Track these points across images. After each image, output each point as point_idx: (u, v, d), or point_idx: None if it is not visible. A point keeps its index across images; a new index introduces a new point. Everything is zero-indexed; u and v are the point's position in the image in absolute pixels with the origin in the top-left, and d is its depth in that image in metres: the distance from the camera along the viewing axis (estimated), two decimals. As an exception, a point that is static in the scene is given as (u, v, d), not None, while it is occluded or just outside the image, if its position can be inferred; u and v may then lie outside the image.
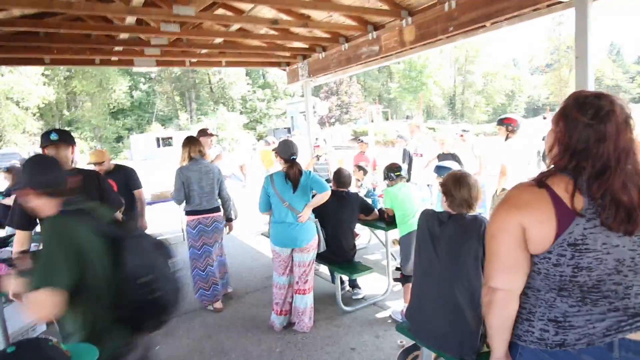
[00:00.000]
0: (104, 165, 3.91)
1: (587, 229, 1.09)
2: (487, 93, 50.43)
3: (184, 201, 3.76)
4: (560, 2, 3.57)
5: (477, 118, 46.70)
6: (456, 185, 2.12)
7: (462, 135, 6.17)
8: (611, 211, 1.08)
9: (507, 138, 4.48)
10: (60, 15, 4.39)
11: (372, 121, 25.26)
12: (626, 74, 55.46)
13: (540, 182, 1.18)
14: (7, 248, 3.18)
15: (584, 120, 1.13)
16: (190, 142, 3.90)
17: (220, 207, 3.94)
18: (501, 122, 4.60)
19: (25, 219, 2.38)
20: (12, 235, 3.74)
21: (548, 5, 3.73)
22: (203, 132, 4.86)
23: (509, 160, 4.33)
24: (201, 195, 3.72)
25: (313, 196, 3.31)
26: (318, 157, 6.50)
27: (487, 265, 1.26)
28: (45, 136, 2.48)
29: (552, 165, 1.22)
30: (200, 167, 3.76)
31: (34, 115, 31.74)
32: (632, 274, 1.11)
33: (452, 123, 36.71)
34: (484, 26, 4.31)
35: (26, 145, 26.89)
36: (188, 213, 3.80)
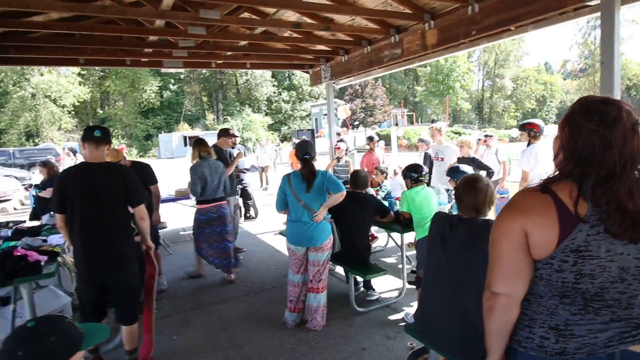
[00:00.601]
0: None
1: (590, 236, 1.08)
2: (517, 98, 49.13)
3: (200, 193, 4.37)
4: (587, 7, 3.49)
5: (506, 123, 45.55)
6: (465, 189, 2.13)
7: (485, 141, 6.09)
8: (616, 218, 1.07)
9: (529, 143, 4.40)
10: (94, 18, 4.63)
11: (397, 124, 25.04)
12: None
13: (545, 187, 1.17)
14: (39, 237, 3.37)
15: (590, 127, 1.12)
16: (200, 144, 4.56)
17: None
18: (523, 127, 4.52)
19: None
20: (44, 225, 3.98)
21: (575, 9, 3.66)
22: (225, 132, 5.27)
23: (531, 166, 4.25)
24: (211, 188, 4.37)
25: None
26: (339, 159, 6.54)
27: (489, 270, 1.25)
28: (88, 132, 2.66)
29: (557, 171, 1.21)
30: (210, 164, 4.41)
31: (69, 113, 33.21)
32: (637, 282, 1.09)
33: (478, 128, 35.96)
34: (509, 29, 4.27)
35: (62, 141, 28.11)
36: (200, 202, 4.49)
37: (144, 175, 4.15)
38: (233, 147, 5.57)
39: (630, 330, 1.10)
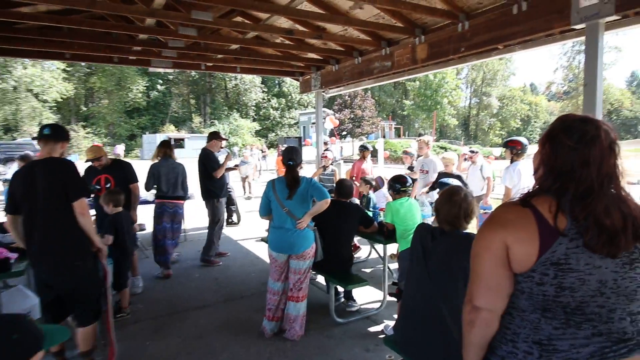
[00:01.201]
0: (101, 161, 4.12)
1: (570, 249, 1.10)
2: (503, 116, 50.29)
3: (153, 189, 4.84)
4: (573, 30, 3.61)
5: (491, 140, 46.51)
6: (442, 201, 2.15)
7: (471, 157, 6.18)
8: (594, 233, 1.09)
9: (512, 160, 4.49)
10: (84, 12, 4.56)
11: (384, 136, 25.27)
12: (646, 106, 54.78)
13: (525, 201, 1.20)
14: (9, 234, 3.24)
15: (569, 144, 1.16)
16: (165, 146, 5.03)
17: (183, 197, 5.03)
18: (506, 144, 4.62)
19: None
20: None
21: (561, 32, 3.78)
22: (216, 135, 5.46)
23: (514, 183, 4.33)
24: (167, 185, 4.78)
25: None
26: (325, 167, 6.55)
27: (470, 284, 1.26)
28: (40, 129, 2.65)
29: (537, 186, 1.24)
30: (169, 164, 4.87)
31: (51, 108, 32.46)
32: (615, 296, 1.11)
33: (464, 144, 36.56)
34: (497, 48, 4.38)
35: (41, 137, 27.43)
36: (157, 197, 4.91)
37: (125, 174, 4.20)
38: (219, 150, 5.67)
39: (611, 346, 1.12)
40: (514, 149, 4.48)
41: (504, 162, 6.32)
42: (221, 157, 5.70)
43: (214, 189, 5.22)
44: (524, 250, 1.14)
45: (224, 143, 5.91)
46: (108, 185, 4.06)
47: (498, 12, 3.89)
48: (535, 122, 53.02)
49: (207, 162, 5.14)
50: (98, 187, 4.09)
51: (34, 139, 2.66)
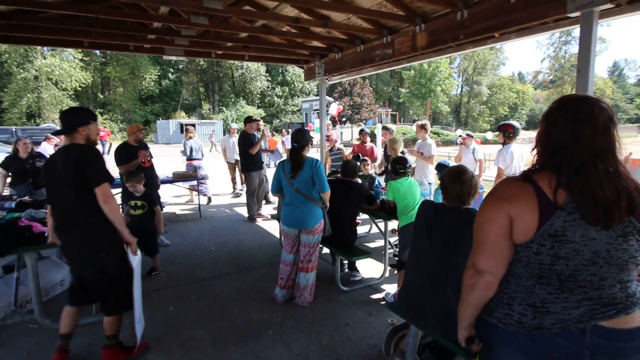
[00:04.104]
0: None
1: (567, 222, 1.10)
2: (492, 104, 49.79)
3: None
4: (568, 18, 3.52)
5: (480, 126, 46.18)
6: (451, 180, 2.13)
7: (464, 139, 6.13)
8: (589, 207, 1.09)
9: (504, 143, 4.45)
10: (101, 2, 4.45)
11: (381, 122, 25.13)
12: (626, 94, 54.29)
13: (526, 176, 1.20)
14: (42, 209, 3.26)
15: (562, 121, 1.15)
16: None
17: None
18: (499, 128, 4.57)
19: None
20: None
21: (555, 20, 3.69)
22: (250, 119, 6.16)
23: (506, 164, 4.30)
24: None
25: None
26: (331, 149, 6.55)
27: (474, 251, 1.27)
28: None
29: (536, 163, 1.23)
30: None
31: (70, 96, 32.14)
32: (607, 266, 1.11)
33: (455, 129, 36.31)
34: (493, 36, 4.27)
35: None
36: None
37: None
38: (258, 131, 6.31)
39: (600, 308, 1.13)
40: (506, 132, 4.44)
41: (491, 146, 6.27)
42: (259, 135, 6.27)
43: (249, 163, 5.95)
44: (525, 223, 1.15)
45: (260, 124, 6.54)
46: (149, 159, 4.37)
47: (496, 1, 3.79)
48: (522, 109, 52.49)
49: (243, 142, 5.90)
50: (142, 160, 4.58)
51: (53, 134, 2.52)
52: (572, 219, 1.10)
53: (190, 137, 7.52)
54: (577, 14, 3.12)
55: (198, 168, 7.11)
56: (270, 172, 4.81)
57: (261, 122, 6.40)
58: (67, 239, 2.28)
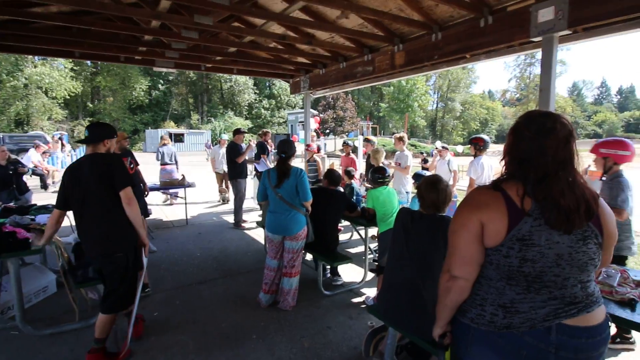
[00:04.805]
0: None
1: (533, 227, 1.14)
2: (464, 119, 51.08)
3: None
4: (531, 42, 3.67)
5: (454, 140, 47.22)
6: (428, 189, 2.16)
7: (440, 151, 6.26)
8: (552, 213, 1.13)
9: (475, 155, 4.56)
10: (94, 14, 4.37)
11: (362, 134, 25.38)
12: (584, 112, 56.73)
13: (496, 185, 1.24)
14: (27, 216, 3.13)
15: (528, 134, 1.20)
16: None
17: None
18: (471, 141, 4.68)
19: None
20: (33, 205, 3.71)
21: (520, 44, 3.84)
22: (239, 131, 6.34)
23: (477, 175, 4.40)
24: None
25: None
26: (309, 160, 6.61)
27: (448, 256, 1.29)
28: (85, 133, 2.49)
29: (504, 173, 1.27)
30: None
31: (60, 104, 31.22)
32: (569, 267, 1.15)
33: (431, 142, 37.01)
34: (465, 57, 4.42)
35: (51, 130, 26.41)
36: None
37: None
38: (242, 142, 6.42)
39: (564, 307, 1.17)
40: (477, 145, 4.54)
41: (462, 158, 6.42)
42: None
43: (236, 171, 6.10)
44: (495, 228, 1.17)
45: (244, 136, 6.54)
46: (132, 166, 4.20)
47: (467, 24, 3.92)
48: (492, 124, 54.04)
49: (231, 152, 6.08)
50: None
51: (77, 142, 2.45)
52: (537, 224, 1.14)
53: (165, 144, 7.62)
54: (539, 38, 3.26)
55: (171, 172, 7.33)
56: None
57: (247, 134, 6.68)
58: (89, 238, 2.37)
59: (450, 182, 5.90)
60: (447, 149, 5.86)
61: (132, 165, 4.33)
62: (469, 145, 4.81)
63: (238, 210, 6.25)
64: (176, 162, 7.58)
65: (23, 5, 3.82)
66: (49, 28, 4.49)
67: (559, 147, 1.16)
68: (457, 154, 22.59)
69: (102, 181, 2.33)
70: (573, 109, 52.72)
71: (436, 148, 6.43)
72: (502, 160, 1.29)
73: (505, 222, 1.16)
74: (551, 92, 3.23)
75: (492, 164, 4.62)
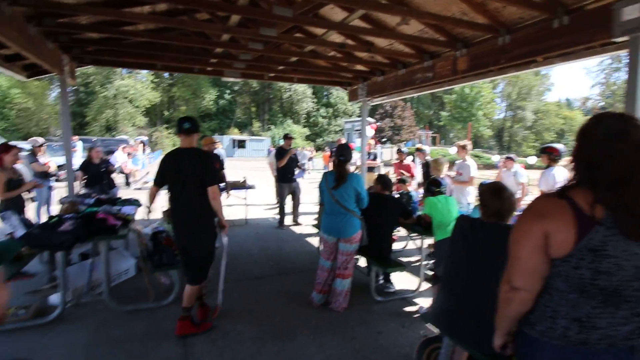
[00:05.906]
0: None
1: (607, 236, 1.06)
2: (537, 129, 47.17)
3: None
4: (615, 43, 3.35)
5: (524, 152, 43.78)
6: (492, 196, 2.08)
7: (505, 162, 5.90)
8: (628, 221, 1.05)
9: (548, 166, 4.23)
10: (174, 30, 4.89)
11: (420, 143, 24.74)
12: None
13: (561, 193, 1.17)
14: (115, 206, 3.58)
15: (597, 138, 1.13)
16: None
17: None
18: (544, 150, 4.36)
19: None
20: (118, 198, 4.21)
21: (602, 45, 3.52)
22: (287, 137, 6.69)
23: (549, 187, 4.08)
24: None
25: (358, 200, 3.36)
26: (357, 167, 6.74)
27: (509, 267, 1.24)
28: (179, 124, 2.85)
29: (572, 179, 1.20)
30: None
31: (142, 112, 35.06)
32: None
33: (498, 153, 34.74)
34: (535, 61, 4.14)
35: (134, 135, 29.64)
36: None
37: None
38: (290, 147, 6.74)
39: None
40: (551, 155, 4.23)
41: (534, 171, 5.94)
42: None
43: (278, 175, 6.51)
44: (561, 238, 1.11)
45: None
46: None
47: (539, 26, 3.69)
48: (569, 136, 49.15)
49: (277, 156, 6.46)
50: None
51: (177, 132, 2.84)
52: (611, 233, 1.06)
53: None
54: (624, 38, 2.96)
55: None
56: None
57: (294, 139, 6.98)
58: (181, 222, 2.78)
59: (519, 196, 5.52)
60: (512, 159, 5.50)
61: (219, 168, 4.81)
62: (541, 155, 4.49)
63: (280, 212, 6.62)
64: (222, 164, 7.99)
65: (118, 25, 4.42)
66: (136, 44, 5.12)
67: (631, 151, 1.08)
68: (528, 167, 20.91)
69: (197, 175, 2.71)
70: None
71: (501, 159, 6.07)
72: (570, 164, 1.23)
73: (573, 232, 1.09)
74: (638, 97, 2.91)
75: (567, 176, 4.25)
